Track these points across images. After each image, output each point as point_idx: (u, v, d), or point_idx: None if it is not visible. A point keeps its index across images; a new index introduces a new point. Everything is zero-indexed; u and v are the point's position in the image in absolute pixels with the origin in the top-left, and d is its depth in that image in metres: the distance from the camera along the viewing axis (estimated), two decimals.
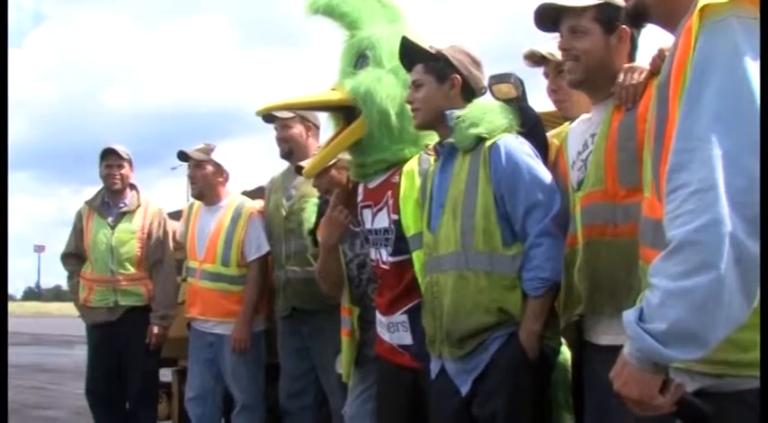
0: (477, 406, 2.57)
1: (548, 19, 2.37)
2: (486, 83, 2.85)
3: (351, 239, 3.52)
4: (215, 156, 4.67)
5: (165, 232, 5.05)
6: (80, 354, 5.39)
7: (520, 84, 3.03)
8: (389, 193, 3.10)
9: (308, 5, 3.13)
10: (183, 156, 4.69)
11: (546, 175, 2.56)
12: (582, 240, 2.28)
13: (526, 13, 2.41)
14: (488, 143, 2.61)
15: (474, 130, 2.63)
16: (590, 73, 2.32)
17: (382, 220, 3.13)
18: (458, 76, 2.78)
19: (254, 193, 4.92)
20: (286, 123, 4.27)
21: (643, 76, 2.25)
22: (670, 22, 1.71)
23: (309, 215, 3.74)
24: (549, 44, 2.81)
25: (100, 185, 5.18)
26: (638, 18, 1.82)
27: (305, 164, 3.44)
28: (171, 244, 5.04)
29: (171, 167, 42.73)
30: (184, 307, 4.77)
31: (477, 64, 2.84)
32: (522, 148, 2.60)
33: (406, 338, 3.00)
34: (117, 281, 4.95)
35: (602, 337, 2.25)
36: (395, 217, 3.05)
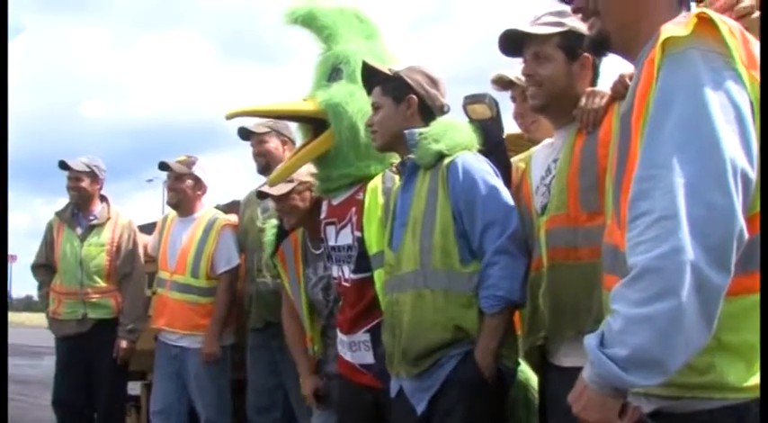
0: None
1: (512, 44, 2.41)
2: (444, 101, 2.86)
3: (314, 262, 3.53)
4: (195, 169, 4.71)
5: (135, 245, 5.04)
6: (49, 365, 5.34)
7: (494, 104, 3.06)
8: (353, 209, 3.11)
9: (286, 16, 3.16)
10: (164, 166, 4.70)
11: (504, 194, 2.57)
12: (546, 264, 2.31)
13: (496, 37, 2.43)
14: (447, 160, 2.61)
15: (435, 147, 2.63)
16: (552, 99, 2.36)
17: (346, 237, 3.14)
18: (414, 97, 2.78)
19: (227, 208, 4.94)
20: (262, 138, 4.30)
21: (604, 100, 2.29)
22: (630, 51, 1.74)
23: (269, 237, 3.71)
24: (517, 69, 2.84)
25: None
26: (600, 46, 1.85)
27: (268, 179, 3.44)
28: (141, 257, 5.03)
29: (147, 180, 42.55)
30: (152, 320, 4.77)
31: (434, 82, 2.84)
32: (480, 166, 2.60)
33: (368, 358, 3.00)
34: (86, 293, 4.93)
35: (564, 359, 2.28)
36: (358, 234, 3.05)
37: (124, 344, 4.83)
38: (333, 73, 3.16)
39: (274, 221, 3.73)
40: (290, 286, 3.65)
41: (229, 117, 3.17)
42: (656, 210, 1.44)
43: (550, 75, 2.35)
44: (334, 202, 3.22)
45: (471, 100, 2.91)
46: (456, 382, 2.52)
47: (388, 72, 2.83)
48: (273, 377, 4.17)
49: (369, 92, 2.91)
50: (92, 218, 5.08)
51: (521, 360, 2.67)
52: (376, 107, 2.83)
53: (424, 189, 2.65)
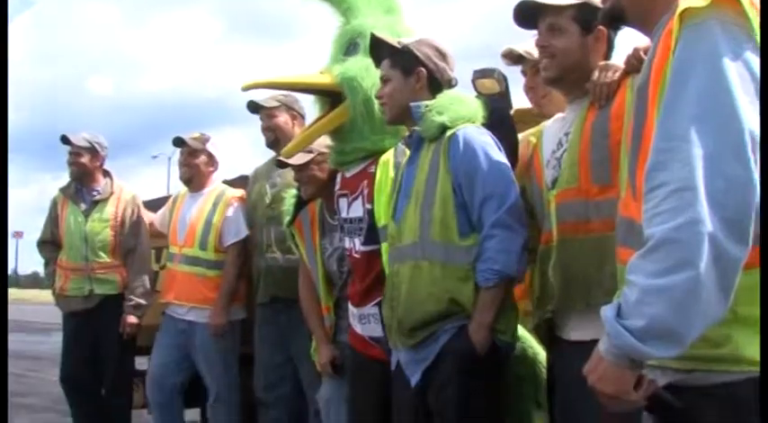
0: (430, 397, 2.57)
1: (526, 16, 2.38)
2: (452, 74, 2.83)
3: (330, 233, 3.53)
4: (209, 146, 4.74)
5: (139, 219, 5.03)
6: (58, 341, 5.34)
7: (503, 79, 3.03)
8: (365, 182, 3.11)
9: None
10: (179, 142, 4.71)
11: (504, 167, 2.55)
12: (556, 237, 2.30)
13: (507, 11, 2.41)
14: (449, 132, 2.60)
15: (438, 119, 2.61)
16: (565, 71, 2.35)
17: (357, 210, 3.14)
18: (423, 70, 2.76)
19: (235, 183, 4.92)
20: (271, 113, 4.27)
21: (617, 74, 2.27)
22: (646, 24, 1.73)
23: (288, 207, 3.70)
24: (527, 43, 2.83)
25: None
26: (614, 19, 1.84)
27: (283, 150, 3.43)
28: (146, 231, 5.01)
29: (152, 156, 42.64)
30: (160, 294, 4.77)
31: (443, 56, 2.81)
32: (481, 138, 2.58)
33: (377, 330, 2.99)
34: (92, 269, 4.93)
35: (572, 332, 2.28)
36: (369, 206, 3.05)
37: (131, 319, 4.83)
38: (350, 47, 3.15)
39: (293, 191, 3.71)
40: (307, 256, 3.65)
41: (246, 88, 3.17)
42: (673, 181, 1.42)
43: (564, 47, 2.33)
44: (348, 175, 3.23)
45: (480, 74, 2.91)
46: (450, 355, 2.51)
47: (396, 45, 2.81)
48: (281, 353, 4.15)
49: (378, 64, 2.89)
50: (95, 193, 5.07)
51: (529, 335, 2.65)
52: (385, 80, 2.81)
53: (427, 161, 2.64)
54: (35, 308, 28.31)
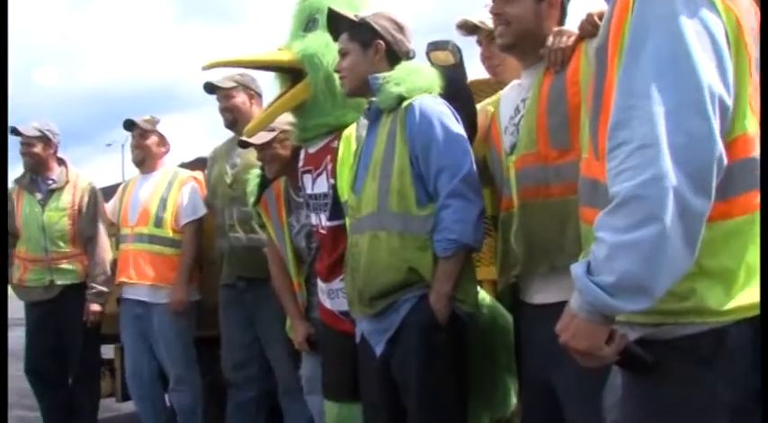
0: (394, 369, 2.60)
1: None
2: (410, 46, 2.85)
3: (296, 211, 3.53)
4: (159, 127, 4.75)
5: (97, 206, 4.96)
6: (16, 335, 5.27)
7: (457, 51, 3.01)
8: (329, 157, 3.11)
9: None
10: (129, 124, 4.71)
11: (460, 137, 2.56)
12: (517, 203, 2.33)
13: None
14: (406, 103, 2.61)
15: (395, 90, 2.62)
16: (520, 37, 2.37)
17: (321, 185, 3.14)
18: (381, 42, 2.76)
19: (192, 165, 4.93)
20: (228, 93, 4.25)
21: (572, 39, 2.29)
22: None
23: (252, 187, 3.70)
24: (481, 13, 2.84)
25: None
26: None
27: (246, 128, 3.40)
28: (104, 219, 4.96)
29: (106, 144, 42.00)
30: (116, 277, 4.74)
31: (400, 28, 2.82)
32: (437, 108, 2.59)
33: (346, 305, 2.98)
34: (51, 259, 4.86)
35: (535, 296, 2.32)
36: (333, 181, 3.06)
37: (94, 307, 4.78)
38: (309, 23, 3.14)
39: (257, 171, 3.70)
40: (275, 234, 3.66)
41: (206, 68, 3.16)
42: (635, 138, 1.45)
43: (518, 13, 2.35)
44: (311, 151, 3.22)
45: (434, 47, 2.90)
46: (411, 325, 2.54)
47: (354, 18, 2.81)
48: (248, 332, 4.15)
49: (335, 39, 2.89)
50: (50, 182, 4.98)
51: (497, 303, 2.69)
52: (343, 53, 2.81)
53: (385, 132, 2.65)
54: None
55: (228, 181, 4.23)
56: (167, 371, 4.60)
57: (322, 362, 3.26)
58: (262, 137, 3.46)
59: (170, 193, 4.63)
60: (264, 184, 3.64)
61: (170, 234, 4.60)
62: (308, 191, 3.22)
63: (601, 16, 2.22)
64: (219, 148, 4.47)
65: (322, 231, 3.15)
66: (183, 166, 4.95)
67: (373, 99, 2.71)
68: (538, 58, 2.35)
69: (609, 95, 1.58)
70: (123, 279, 4.65)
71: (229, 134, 4.38)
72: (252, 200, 3.70)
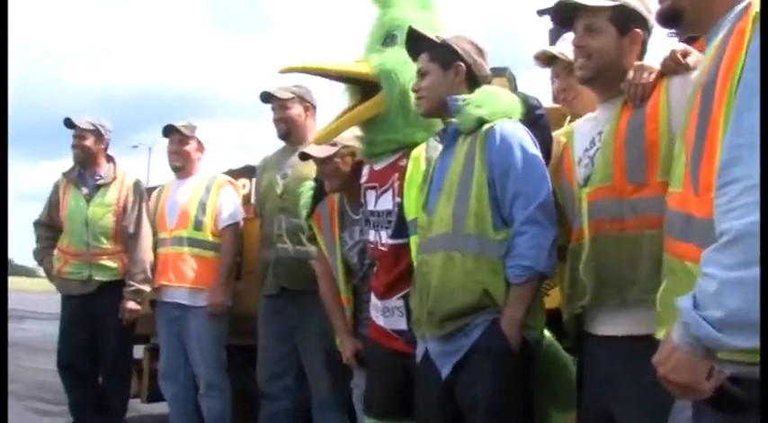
0: (460, 392, 2.58)
1: (564, 16, 2.42)
2: (488, 72, 2.87)
3: (350, 227, 3.53)
4: (198, 133, 4.84)
5: (141, 206, 4.98)
6: (33, 328, 5.30)
7: (513, 79, 3.03)
8: (396, 175, 3.10)
9: None
10: (169, 129, 4.79)
11: (539, 163, 2.57)
12: (588, 235, 2.32)
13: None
14: (486, 126, 2.62)
15: (476, 112, 2.64)
16: (600, 71, 2.38)
17: (386, 202, 3.13)
18: (462, 64, 2.78)
19: (240, 173, 4.97)
20: (284, 104, 4.27)
21: (653, 76, 2.30)
22: (702, 25, 1.80)
23: (306, 200, 3.71)
24: (560, 45, 2.90)
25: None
26: (671, 20, 1.90)
27: (314, 137, 3.40)
28: (147, 218, 4.97)
29: (131, 146, 42.28)
30: (154, 280, 4.77)
31: (481, 52, 2.85)
32: (518, 134, 2.60)
33: (401, 323, 3.01)
34: (92, 254, 4.88)
35: (600, 327, 2.32)
36: (399, 200, 3.06)
37: (131, 305, 4.79)
38: (387, 38, 3.16)
39: (310, 183, 3.71)
40: (327, 249, 3.65)
41: (283, 72, 3.14)
42: (746, 177, 1.46)
43: (600, 47, 2.36)
44: (377, 167, 3.22)
45: (492, 73, 2.95)
46: (482, 351, 2.54)
47: (435, 39, 2.82)
48: (286, 344, 4.15)
49: (413, 58, 2.90)
50: (98, 178, 5.02)
51: (548, 333, 2.69)
52: (423, 73, 2.82)
53: (462, 154, 2.66)
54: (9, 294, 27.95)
55: (279, 191, 4.24)
56: (198, 375, 4.60)
57: (367, 379, 3.25)
58: (324, 150, 3.47)
59: (209, 196, 4.70)
60: (318, 196, 3.65)
61: (209, 237, 4.66)
62: (371, 207, 3.20)
63: (685, 54, 2.26)
64: (270, 157, 4.49)
65: (382, 248, 3.13)
66: (231, 173, 5.00)
67: (452, 120, 2.72)
68: (616, 92, 2.36)
69: (714, 133, 1.60)
70: (163, 282, 4.68)
71: (279, 143, 4.40)
72: (305, 212, 3.71)
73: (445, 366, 2.61)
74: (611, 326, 2.27)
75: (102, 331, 4.85)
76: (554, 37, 5.63)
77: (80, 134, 4.99)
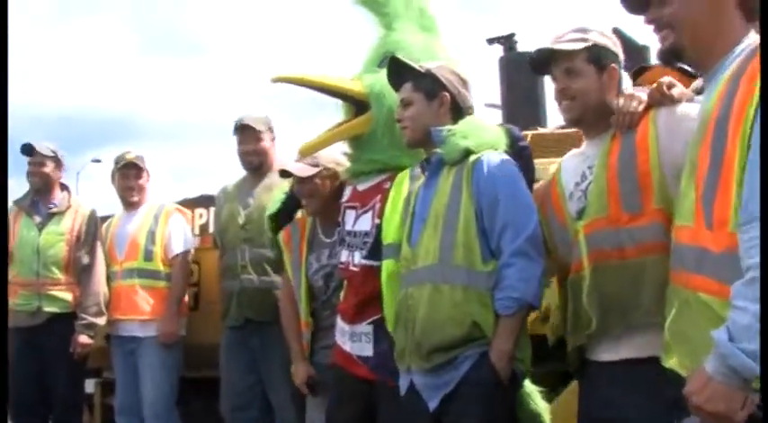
0: None
1: (541, 62, 2.50)
2: (472, 102, 2.88)
3: (319, 250, 3.51)
4: (146, 163, 4.82)
5: (96, 236, 4.85)
6: None
7: None
8: (378, 197, 3.09)
9: None
10: (131, 165, 4.73)
11: (526, 195, 2.60)
12: (588, 266, 2.35)
13: None
14: (473, 157, 2.63)
15: (462, 143, 2.65)
16: (586, 110, 2.45)
17: (365, 223, 3.11)
18: (446, 94, 2.79)
19: (196, 202, 4.93)
20: (259, 135, 4.25)
21: (641, 106, 2.37)
22: (704, 61, 1.88)
23: (273, 208, 3.68)
24: None
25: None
26: (672, 58, 1.98)
27: (300, 148, 3.33)
28: (101, 250, 4.84)
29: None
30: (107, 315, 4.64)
31: (464, 83, 2.86)
32: (505, 166, 2.62)
33: (367, 350, 2.99)
34: (42, 284, 4.68)
35: (603, 354, 2.35)
36: (378, 221, 3.04)
37: (83, 339, 4.61)
38: (384, 60, 3.14)
39: (281, 194, 3.69)
40: (292, 269, 3.63)
41: (276, 81, 3.13)
42: None
43: (583, 88, 2.43)
44: (360, 188, 3.20)
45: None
46: (471, 383, 2.52)
47: (419, 68, 2.83)
48: (250, 375, 4.09)
49: (395, 87, 2.90)
50: (51, 206, 4.87)
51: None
52: (406, 103, 2.82)
53: (448, 185, 2.66)
54: None
55: (241, 221, 4.19)
56: (145, 408, 4.46)
57: (330, 405, 3.21)
58: (305, 170, 3.44)
59: (158, 226, 4.64)
60: (289, 208, 3.62)
61: (161, 267, 4.60)
62: (348, 227, 3.18)
63: (670, 86, 2.33)
64: (230, 187, 4.44)
65: (353, 269, 3.10)
66: (187, 202, 4.96)
67: (437, 150, 2.72)
68: (603, 127, 2.43)
69: (727, 167, 1.66)
70: (117, 316, 4.58)
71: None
72: (271, 224, 3.68)
73: (433, 399, 2.59)
74: (612, 352, 2.31)
75: (51, 365, 4.66)
76: (504, 65, 5.75)
77: (40, 161, 4.85)
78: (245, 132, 4.24)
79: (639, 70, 3.76)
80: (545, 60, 2.48)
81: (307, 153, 3.33)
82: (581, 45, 2.42)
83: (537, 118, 5.26)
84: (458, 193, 2.62)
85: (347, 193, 3.27)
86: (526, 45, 4.38)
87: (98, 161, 25.47)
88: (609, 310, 2.29)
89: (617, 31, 4.81)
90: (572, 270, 2.43)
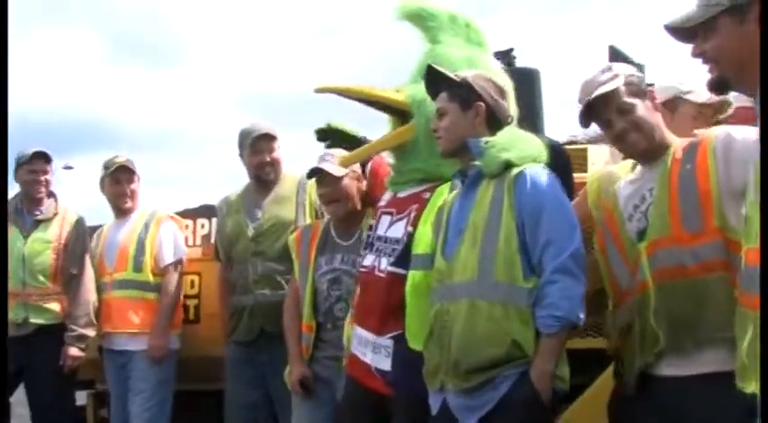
0: None
1: (589, 110, 2.57)
2: (510, 112, 2.83)
3: (332, 252, 3.50)
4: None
5: (84, 244, 4.68)
6: None
7: None
8: (415, 206, 3.04)
9: (397, 10, 3.20)
10: (123, 169, 4.53)
11: (569, 211, 2.57)
12: (653, 285, 2.40)
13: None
14: (515, 170, 2.57)
15: (504, 155, 2.60)
16: (652, 141, 2.54)
17: (397, 231, 3.05)
18: (482, 104, 2.73)
19: (197, 212, 4.81)
20: (275, 146, 4.15)
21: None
22: (749, 89, 1.93)
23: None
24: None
25: None
26: (720, 89, 2.06)
27: (340, 159, 3.38)
28: (89, 258, 4.67)
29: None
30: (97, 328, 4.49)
31: (501, 92, 2.80)
32: (548, 180, 2.58)
33: (385, 364, 2.93)
34: (29, 295, 4.48)
35: (666, 369, 2.40)
36: (410, 230, 2.99)
37: (73, 351, 4.44)
38: None
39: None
40: (299, 271, 3.62)
41: (319, 91, 3.12)
42: None
43: (641, 117, 2.53)
44: (399, 195, 3.15)
45: None
46: (511, 405, 2.45)
47: (455, 77, 2.77)
48: (256, 391, 3.99)
49: (433, 96, 2.85)
50: (37, 213, 4.66)
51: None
52: (441, 113, 2.77)
53: (488, 197, 2.60)
54: None
55: (251, 234, 4.07)
56: (132, 418, 4.30)
57: (338, 414, 3.22)
58: (339, 170, 3.45)
59: (147, 233, 4.46)
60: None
61: (150, 278, 4.41)
62: (380, 232, 3.12)
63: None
64: (232, 198, 4.31)
65: (379, 274, 3.03)
66: (188, 212, 4.83)
67: (476, 163, 2.67)
68: (660, 155, 2.52)
69: None
70: (107, 329, 4.43)
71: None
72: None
73: (468, 420, 2.52)
74: (673, 367, 2.36)
75: (38, 379, 4.47)
76: None
77: (43, 168, 4.67)
78: (262, 142, 4.12)
79: None
80: (591, 106, 2.54)
81: (348, 164, 3.32)
82: (619, 82, 2.51)
83: (536, 132, 5.26)
84: (498, 206, 2.56)
85: (386, 197, 3.22)
86: (525, 60, 4.38)
87: (70, 168, 24.84)
88: (677, 327, 2.34)
89: (613, 49, 4.95)
90: (635, 291, 2.45)
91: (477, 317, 2.50)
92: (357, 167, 3.46)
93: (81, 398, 4.95)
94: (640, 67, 4.93)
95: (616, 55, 5.16)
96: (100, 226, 4.78)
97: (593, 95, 2.50)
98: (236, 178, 4.29)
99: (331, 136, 3.60)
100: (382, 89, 3.17)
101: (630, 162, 2.69)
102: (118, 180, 4.56)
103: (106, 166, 4.61)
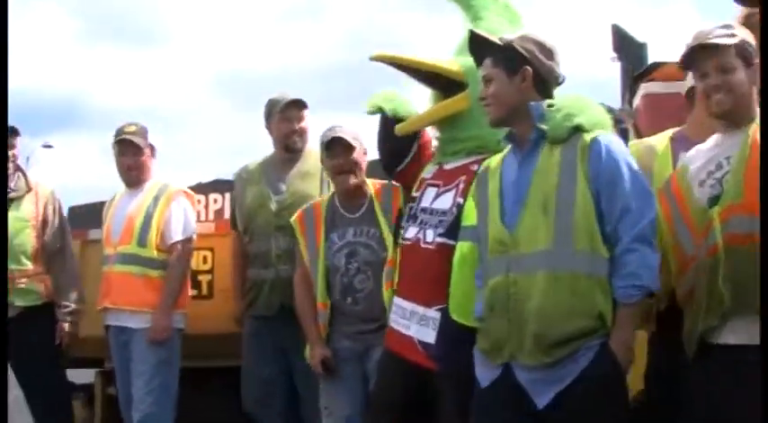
0: (560, 420, 2.43)
1: (691, 58, 2.52)
2: (560, 72, 2.73)
3: (344, 227, 3.47)
4: (149, 136, 4.31)
5: (63, 217, 4.48)
6: None
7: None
8: (464, 177, 3.00)
9: None
10: (125, 142, 4.23)
11: (644, 180, 2.55)
12: (723, 249, 2.41)
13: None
14: (588, 137, 2.50)
15: (575, 120, 2.53)
16: (738, 104, 2.49)
17: (445, 202, 3.01)
18: (528, 68, 2.62)
19: (210, 187, 4.71)
20: (304, 115, 4.05)
21: None
22: None
23: None
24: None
25: None
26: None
27: (398, 128, 3.24)
28: (69, 231, 4.50)
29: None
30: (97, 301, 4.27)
31: (549, 52, 2.67)
32: (623, 149, 2.56)
33: (430, 336, 2.90)
34: (11, 278, 4.22)
35: (730, 336, 2.40)
36: (460, 200, 2.95)
37: (67, 327, 4.28)
38: None
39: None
40: (308, 251, 3.57)
41: (374, 59, 3.11)
42: None
43: (738, 82, 2.47)
44: (446, 167, 3.11)
45: None
46: (593, 378, 2.39)
47: (498, 42, 2.68)
48: (276, 365, 3.91)
49: (478, 64, 2.76)
50: (9, 191, 4.34)
51: None
52: (487, 80, 2.67)
53: (555, 164, 2.52)
54: None
55: (274, 208, 3.95)
56: (135, 406, 4.06)
57: (373, 387, 3.20)
58: (354, 141, 3.47)
59: (156, 208, 4.17)
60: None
61: (154, 254, 4.13)
62: (425, 204, 3.07)
63: None
64: (252, 168, 4.16)
65: (426, 246, 2.98)
66: (201, 186, 4.69)
67: (542, 126, 2.57)
68: (746, 121, 2.49)
69: None
70: (107, 304, 4.17)
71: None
72: None
73: (543, 395, 2.44)
74: (740, 334, 2.37)
75: (28, 361, 4.27)
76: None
77: (12, 143, 4.33)
78: (293, 109, 4.00)
79: (652, 66, 4.01)
80: (692, 56, 2.50)
81: (406, 131, 3.22)
82: (733, 40, 2.46)
83: None
84: (571, 174, 2.48)
85: (431, 170, 3.17)
86: None
87: (49, 146, 23.54)
88: (744, 293, 2.34)
89: (616, 28, 4.70)
90: (707, 254, 2.45)
91: (559, 289, 2.44)
92: (364, 142, 3.45)
93: (89, 376, 4.84)
94: (642, 47, 4.77)
95: (619, 34, 4.93)
96: (103, 202, 4.53)
97: (704, 41, 2.46)
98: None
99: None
100: (434, 58, 3.13)
101: (668, 135, 2.73)
102: (123, 152, 4.26)
103: (115, 135, 4.31)
